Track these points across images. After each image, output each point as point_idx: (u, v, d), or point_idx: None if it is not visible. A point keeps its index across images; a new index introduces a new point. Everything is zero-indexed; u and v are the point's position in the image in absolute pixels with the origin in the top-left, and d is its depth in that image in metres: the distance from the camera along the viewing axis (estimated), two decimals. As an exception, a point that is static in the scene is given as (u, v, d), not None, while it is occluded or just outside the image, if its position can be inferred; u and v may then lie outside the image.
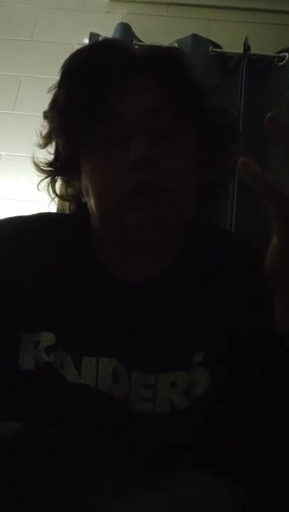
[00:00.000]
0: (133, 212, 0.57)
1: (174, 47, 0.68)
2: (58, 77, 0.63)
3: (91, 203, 0.61)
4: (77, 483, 0.48)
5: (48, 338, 0.59)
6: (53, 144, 0.67)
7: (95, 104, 0.59)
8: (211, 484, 0.51)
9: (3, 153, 1.82)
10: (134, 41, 1.72)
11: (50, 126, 0.65)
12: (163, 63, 0.61)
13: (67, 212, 0.72)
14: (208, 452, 0.55)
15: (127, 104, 0.59)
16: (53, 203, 0.74)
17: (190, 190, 0.61)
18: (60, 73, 0.61)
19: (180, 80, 0.60)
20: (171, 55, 0.63)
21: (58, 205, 0.76)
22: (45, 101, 0.65)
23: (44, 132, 0.66)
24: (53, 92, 0.63)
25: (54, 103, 0.63)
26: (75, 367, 0.58)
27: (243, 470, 0.54)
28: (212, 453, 0.55)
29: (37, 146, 0.67)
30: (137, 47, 1.61)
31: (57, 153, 0.67)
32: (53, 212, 0.76)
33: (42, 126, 0.66)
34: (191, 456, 0.55)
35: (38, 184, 0.69)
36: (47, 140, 0.66)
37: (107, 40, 0.82)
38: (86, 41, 1.77)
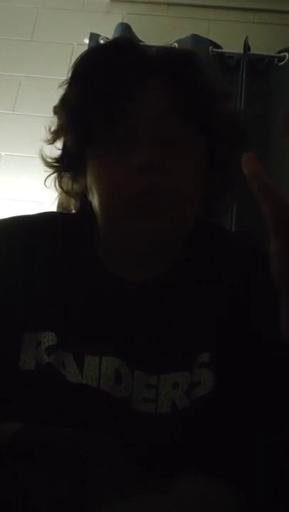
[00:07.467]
0: (134, 220, 0.57)
1: (188, 50, 0.66)
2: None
3: (95, 203, 0.61)
4: (77, 483, 0.47)
5: (49, 338, 0.59)
6: (61, 139, 0.66)
7: (104, 105, 0.58)
8: (211, 485, 0.51)
9: (3, 153, 1.81)
10: (134, 41, 1.72)
11: (58, 123, 0.64)
12: (175, 66, 0.60)
13: (72, 209, 0.72)
14: (208, 453, 0.55)
15: (136, 107, 0.58)
16: (53, 203, 0.73)
17: (195, 196, 0.60)
18: (71, 71, 0.61)
19: (191, 85, 0.59)
20: (184, 58, 0.62)
21: (59, 203, 0.76)
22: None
23: (53, 128, 0.66)
24: (63, 87, 0.62)
25: (64, 101, 0.62)
26: (77, 366, 0.58)
27: (244, 471, 0.54)
28: (213, 453, 0.55)
29: (44, 141, 0.67)
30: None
31: (64, 149, 0.66)
32: (54, 212, 0.76)
33: (51, 121, 0.65)
34: (192, 457, 0.55)
35: (45, 180, 0.69)
36: (55, 136, 0.66)
37: (119, 39, 0.81)
38: (86, 41, 1.77)
